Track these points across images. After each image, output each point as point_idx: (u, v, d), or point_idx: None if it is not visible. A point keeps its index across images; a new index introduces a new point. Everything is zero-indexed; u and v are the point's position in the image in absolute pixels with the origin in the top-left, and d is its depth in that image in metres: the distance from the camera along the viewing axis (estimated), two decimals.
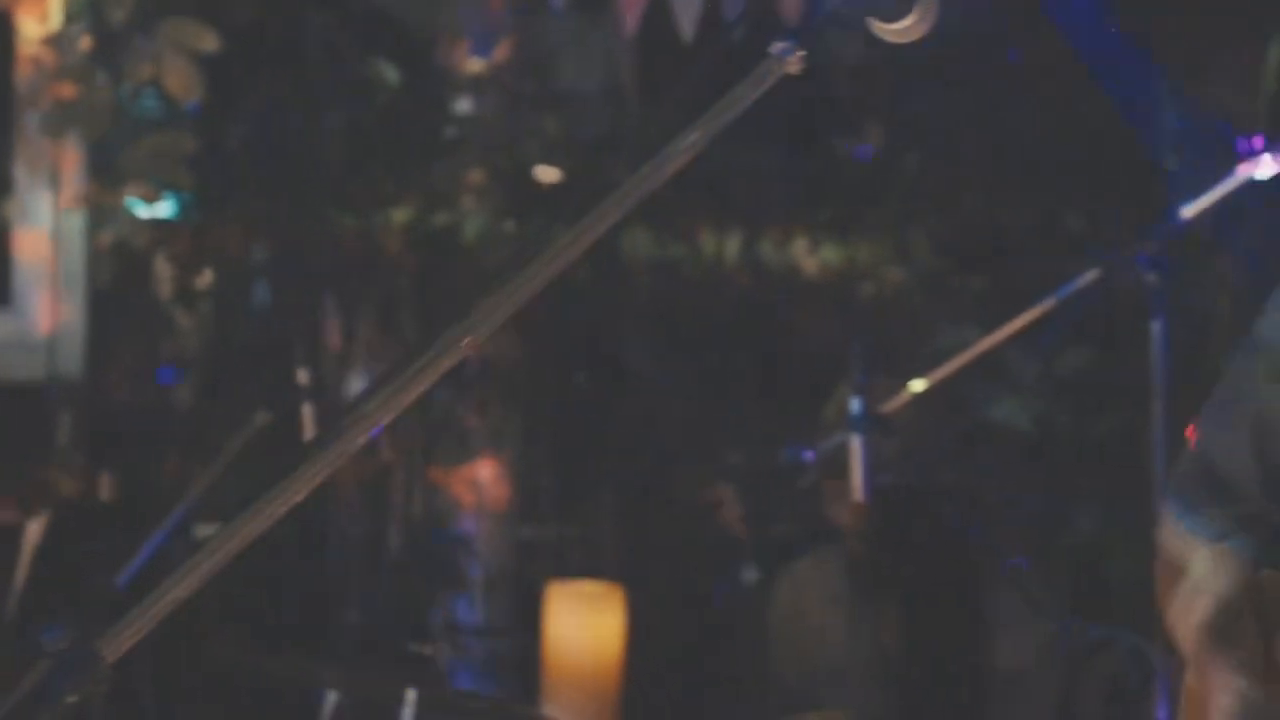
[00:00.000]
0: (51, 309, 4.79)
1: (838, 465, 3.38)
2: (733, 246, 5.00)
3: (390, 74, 4.74)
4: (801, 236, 5.06)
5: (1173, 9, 4.94)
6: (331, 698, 3.39)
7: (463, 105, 4.85)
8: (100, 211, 4.69)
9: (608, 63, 5.20)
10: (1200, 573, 2.06)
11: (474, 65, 4.92)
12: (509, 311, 1.41)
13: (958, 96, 5.13)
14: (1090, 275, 3.20)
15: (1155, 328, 3.18)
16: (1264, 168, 3.22)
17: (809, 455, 3.48)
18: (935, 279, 5.04)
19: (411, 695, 3.24)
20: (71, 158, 4.72)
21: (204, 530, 3.96)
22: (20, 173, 4.82)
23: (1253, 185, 3.36)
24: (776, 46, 1.73)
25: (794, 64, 1.71)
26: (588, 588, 3.80)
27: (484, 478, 4.98)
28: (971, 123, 5.11)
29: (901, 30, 1.73)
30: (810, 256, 5.04)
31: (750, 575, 4.84)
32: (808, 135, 5.27)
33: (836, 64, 4.98)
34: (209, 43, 4.47)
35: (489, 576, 4.91)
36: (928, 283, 5.03)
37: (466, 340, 1.39)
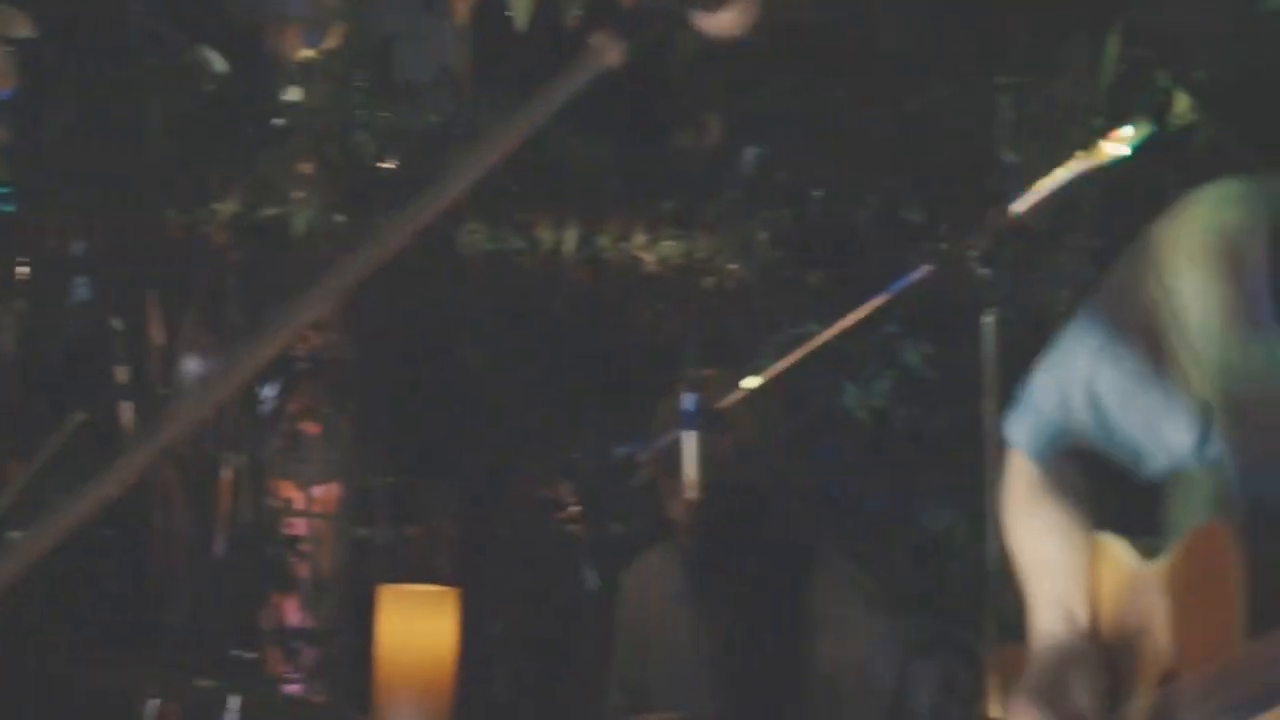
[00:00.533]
0: None
1: (674, 462, 3.38)
2: (571, 240, 4.97)
3: (216, 62, 4.65)
4: (641, 230, 5.05)
5: (1013, 2, 5.00)
6: (154, 703, 3.33)
7: (292, 94, 4.78)
8: None
9: (442, 51, 5.15)
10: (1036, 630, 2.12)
11: (304, 53, 4.85)
12: (332, 303, 1.38)
13: (798, 89, 5.15)
14: (922, 270, 3.21)
15: (987, 322, 3.20)
16: (1099, 158, 3.25)
17: (643, 451, 3.47)
18: (775, 272, 5.06)
19: (235, 701, 3.19)
20: None
21: (17, 534, 3.86)
22: None
23: (1089, 178, 3.40)
24: (597, 37, 1.70)
25: (615, 55, 1.69)
26: (421, 590, 3.75)
27: (315, 477, 4.92)
28: (811, 116, 5.13)
29: (722, 23, 1.71)
30: (649, 250, 5.03)
31: (590, 575, 4.82)
32: (647, 127, 5.27)
33: (675, 56, 4.98)
34: (23, 28, 4.36)
35: (320, 578, 4.84)
36: (767, 276, 5.05)
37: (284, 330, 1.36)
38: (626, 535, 4.63)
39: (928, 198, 5.07)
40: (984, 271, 3.18)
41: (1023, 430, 2.22)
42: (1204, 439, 2.05)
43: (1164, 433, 2.07)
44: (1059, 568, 2.13)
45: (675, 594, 3.68)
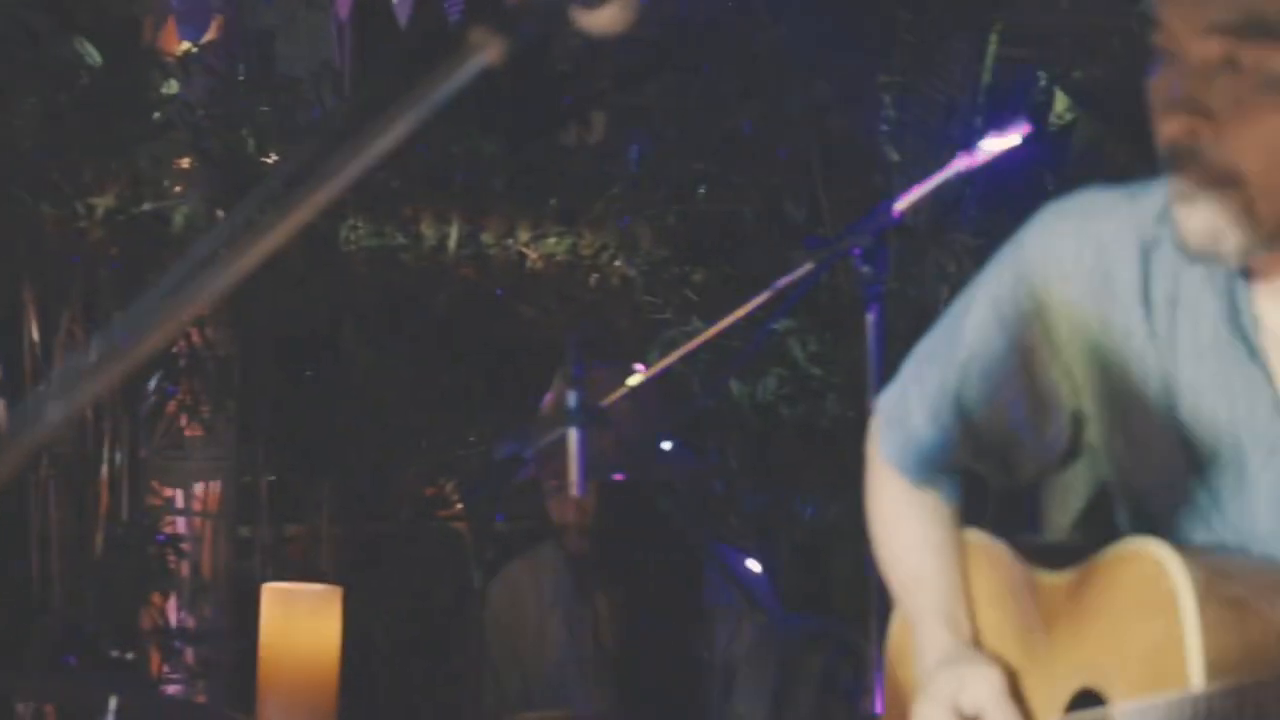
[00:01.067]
0: None
1: (556, 460, 3.38)
2: (454, 236, 4.96)
3: (91, 54, 4.60)
4: (525, 227, 5.05)
5: (895, 1, 5.06)
6: (31, 706, 3.30)
7: (171, 88, 4.73)
8: None
9: (323, 45, 5.13)
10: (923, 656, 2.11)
11: (182, 46, 4.81)
12: (211, 298, 1.37)
13: (682, 86, 5.18)
14: (805, 267, 3.25)
15: (870, 319, 3.24)
16: (979, 157, 3.30)
17: (526, 451, 3.47)
18: (660, 270, 5.08)
19: (114, 703, 3.16)
20: None
21: None
22: None
23: (970, 176, 3.45)
24: (475, 34, 1.71)
25: (495, 51, 1.70)
26: (304, 589, 3.73)
27: (197, 475, 4.88)
28: (696, 113, 5.16)
29: (602, 20, 1.72)
30: (534, 247, 5.04)
31: (475, 575, 4.81)
32: (532, 123, 5.28)
33: (560, 52, 4.99)
34: None
35: (201, 578, 4.81)
36: (652, 273, 5.07)
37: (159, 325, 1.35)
38: (511, 534, 4.63)
39: (811, 195, 5.11)
40: (866, 269, 3.22)
41: (891, 445, 2.19)
42: (1074, 448, 2.06)
43: (1033, 443, 2.06)
44: (938, 579, 2.11)
45: (554, 597, 3.69)
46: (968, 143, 3.34)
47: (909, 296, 4.73)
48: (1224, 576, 1.82)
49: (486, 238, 5.01)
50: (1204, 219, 1.77)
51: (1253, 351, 1.87)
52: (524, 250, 5.03)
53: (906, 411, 2.15)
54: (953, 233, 4.95)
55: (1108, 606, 1.90)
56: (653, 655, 3.57)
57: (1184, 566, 1.79)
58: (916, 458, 2.15)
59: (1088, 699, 1.92)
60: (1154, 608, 1.81)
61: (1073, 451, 2.06)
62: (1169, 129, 1.77)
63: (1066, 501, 2.21)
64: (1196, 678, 1.76)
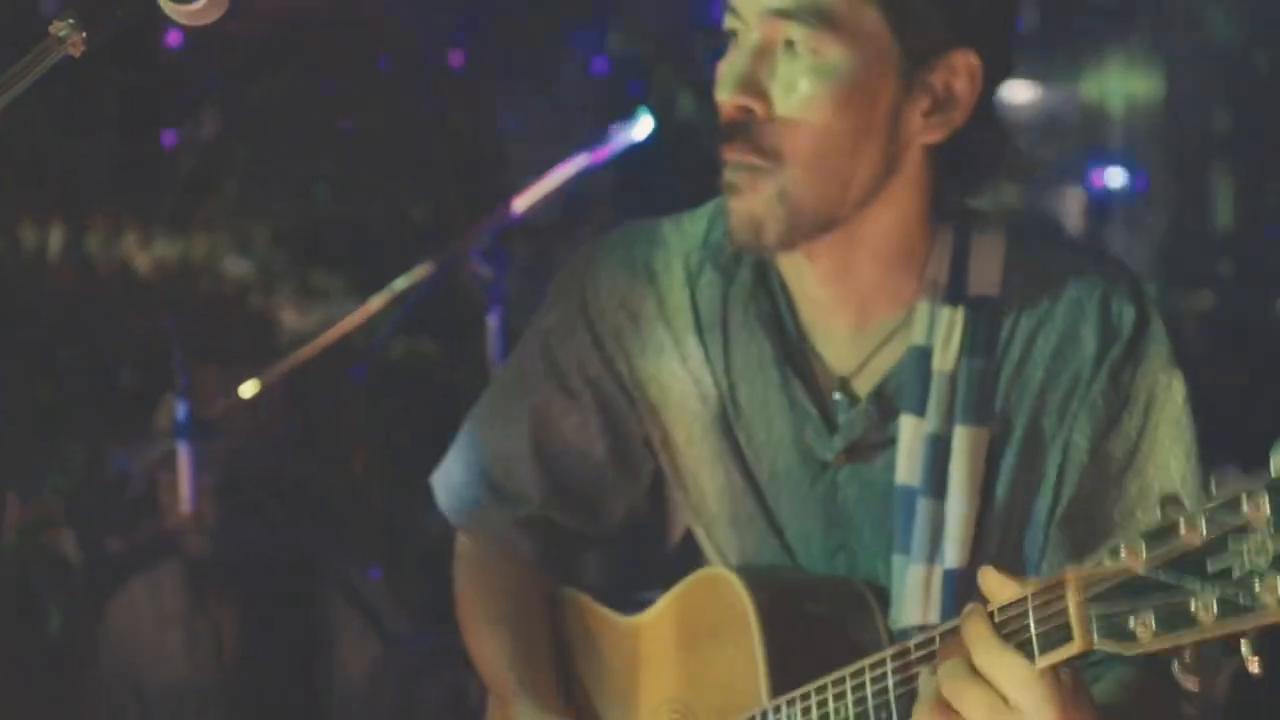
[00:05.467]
0: None
1: (169, 473, 3.34)
2: (57, 240, 4.84)
3: None
4: (133, 230, 4.95)
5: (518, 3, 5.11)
6: None
7: None
8: None
9: None
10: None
11: None
12: None
13: (297, 84, 5.14)
14: (421, 269, 3.26)
15: (491, 321, 3.27)
16: (602, 153, 3.36)
17: (136, 463, 3.42)
18: (278, 272, 5.03)
19: None
20: None
21: None
22: None
23: (598, 174, 3.51)
24: (57, 25, 1.68)
25: (76, 45, 1.67)
26: None
27: None
28: (313, 111, 5.13)
29: (193, 11, 1.71)
30: (143, 251, 4.94)
31: (81, 597, 4.70)
32: (139, 121, 5.16)
33: (168, 48, 4.90)
34: None
35: None
36: (270, 276, 5.02)
37: None
38: (126, 553, 4.52)
39: (434, 196, 5.13)
40: (486, 270, 3.25)
41: (456, 505, 2.14)
42: (657, 480, 2.09)
43: (616, 480, 2.09)
44: (516, 646, 2.08)
45: (173, 614, 3.63)
46: (592, 139, 3.40)
47: (536, 298, 4.77)
48: (788, 595, 1.90)
49: (91, 242, 4.89)
50: (749, 208, 1.85)
51: (797, 369, 1.95)
52: (131, 255, 4.92)
53: (479, 466, 2.13)
54: (580, 230, 5.02)
55: (685, 639, 1.96)
56: (274, 674, 3.54)
57: (748, 589, 1.87)
58: (491, 517, 2.12)
59: None
60: (726, 633, 1.89)
61: (656, 484, 2.10)
62: (726, 105, 1.85)
63: (668, 534, 2.23)
64: (765, 694, 1.83)
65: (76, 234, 4.87)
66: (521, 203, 3.26)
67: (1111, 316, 1.88)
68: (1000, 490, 1.87)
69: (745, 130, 1.84)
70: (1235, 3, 6.32)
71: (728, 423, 1.99)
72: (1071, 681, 1.55)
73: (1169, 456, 1.86)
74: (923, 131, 1.86)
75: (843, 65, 1.82)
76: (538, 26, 5.06)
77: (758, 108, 1.84)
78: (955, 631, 1.60)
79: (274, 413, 3.63)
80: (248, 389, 3.27)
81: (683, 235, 2.05)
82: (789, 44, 1.83)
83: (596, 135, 3.42)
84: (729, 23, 1.88)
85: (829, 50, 1.82)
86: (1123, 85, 6.71)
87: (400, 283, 3.33)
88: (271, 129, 5.20)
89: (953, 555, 1.85)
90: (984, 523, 1.87)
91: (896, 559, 1.89)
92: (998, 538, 1.87)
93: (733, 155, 1.85)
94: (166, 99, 5.11)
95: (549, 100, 5.07)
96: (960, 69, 1.85)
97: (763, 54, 1.84)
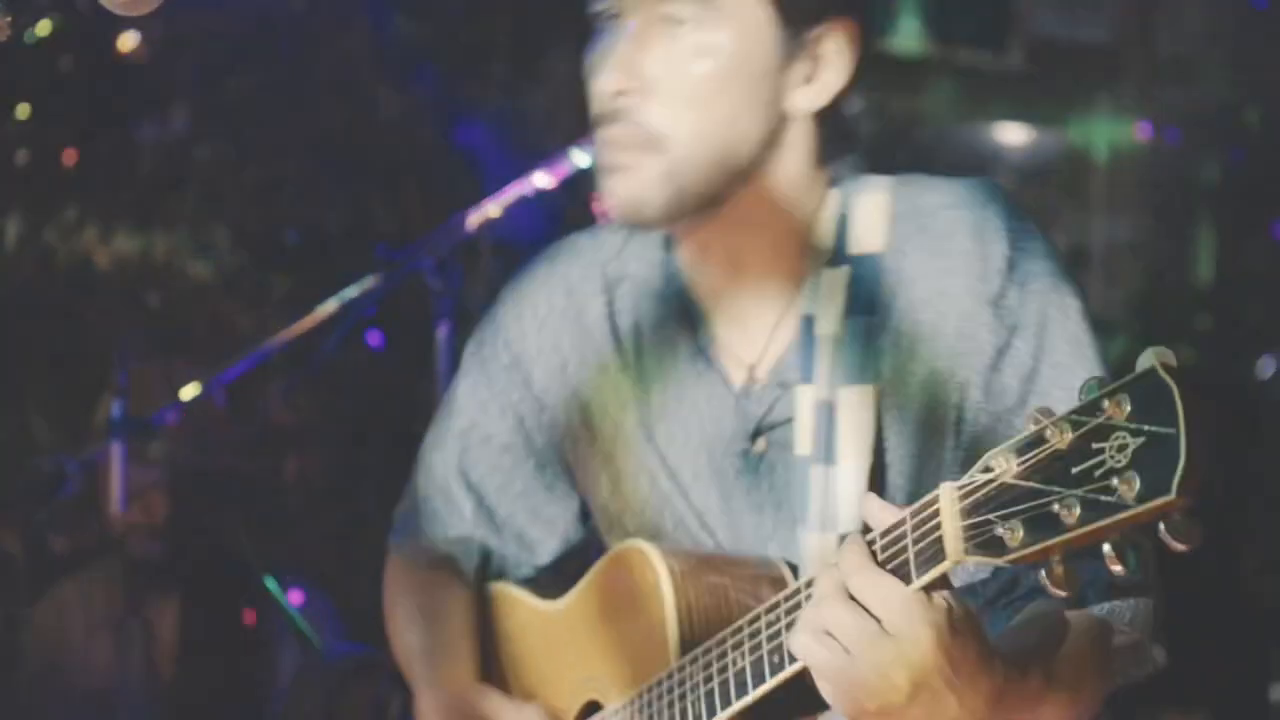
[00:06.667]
0: None
1: (106, 473, 3.32)
2: (14, 233, 4.83)
3: None
4: (93, 225, 4.94)
5: (494, 14, 5.11)
6: None
7: None
8: None
9: None
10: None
11: None
12: None
13: (265, 85, 5.13)
14: (370, 279, 3.26)
15: (441, 332, 3.26)
16: (560, 172, 3.35)
17: (72, 464, 3.40)
18: (237, 274, 5.02)
19: None
20: None
21: None
22: None
23: (567, 188, 3.49)
24: None
25: (2, 29, 1.68)
26: None
27: None
28: (280, 113, 5.12)
29: (125, 2, 1.73)
30: (102, 247, 4.93)
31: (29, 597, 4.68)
32: (103, 116, 5.15)
33: (130, 42, 4.89)
34: None
35: None
36: (229, 278, 5.01)
37: None
38: (67, 552, 4.51)
39: (397, 204, 5.12)
40: (437, 282, 3.24)
41: (398, 527, 2.21)
42: (584, 512, 2.12)
43: (548, 511, 2.12)
44: (427, 642, 2.11)
45: (102, 618, 3.61)
46: (556, 155, 3.39)
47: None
48: (701, 565, 1.89)
49: (50, 236, 4.87)
50: (630, 189, 1.85)
51: (709, 363, 1.96)
52: (90, 250, 4.91)
53: (421, 485, 2.17)
54: (543, 246, 5.01)
55: (604, 615, 1.97)
56: (205, 681, 3.53)
57: (661, 558, 1.88)
58: (425, 539, 2.17)
59: (592, 709, 1.99)
60: (640, 604, 1.89)
61: (584, 517, 2.13)
62: (602, 90, 1.85)
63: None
64: (674, 659, 1.84)
65: (35, 227, 4.86)
66: (475, 218, 3.25)
67: (985, 247, 1.85)
68: (897, 446, 1.86)
69: (626, 113, 1.84)
70: (1227, 56, 6.35)
71: (649, 430, 1.99)
72: (954, 607, 1.53)
73: (1071, 375, 1.83)
74: (804, 99, 1.87)
75: (724, 42, 1.83)
76: (513, 39, 5.06)
77: (639, 90, 1.83)
78: None
79: (216, 418, 3.61)
80: (190, 391, 3.26)
81: (599, 245, 2.06)
82: (668, 23, 1.84)
83: (556, 154, 3.41)
84: (600, 4, 1.88)
85: (709, 28, 1.83)
86: (1108, 133, 6.73)
87: (351, 291, 3.33)
88: (238, 128, 5.19)
89: (847, 520, 1.83)
90: (884, 481, 1.86)
91: (798, 531, 1.88)
92: (908, 492, 1.85)
93: (613, 136, 1.85)
94: (135, 95, 5.10)
95: (518, 114, 5.07)
96: (838, 34, 1.86)
97: (641, 36, 1.84)
